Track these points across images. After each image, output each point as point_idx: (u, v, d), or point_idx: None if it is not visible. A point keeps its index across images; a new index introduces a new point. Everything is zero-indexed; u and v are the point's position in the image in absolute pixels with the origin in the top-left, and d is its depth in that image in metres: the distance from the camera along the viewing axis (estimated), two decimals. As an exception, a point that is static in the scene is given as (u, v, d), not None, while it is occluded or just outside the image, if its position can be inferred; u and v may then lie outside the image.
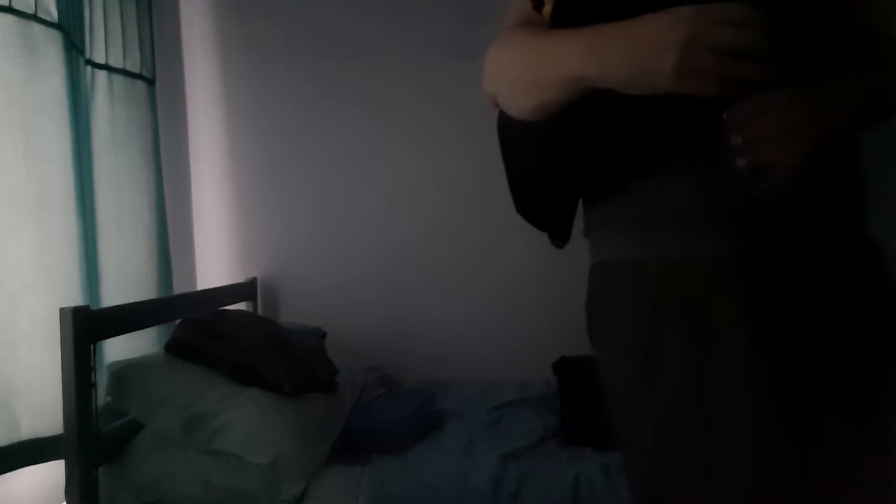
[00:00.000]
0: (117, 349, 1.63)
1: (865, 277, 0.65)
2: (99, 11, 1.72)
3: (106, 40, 1.75)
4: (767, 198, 0.57)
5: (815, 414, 0.60)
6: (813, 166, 0.53)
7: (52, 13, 1.49)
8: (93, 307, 1.39)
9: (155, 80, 1.97)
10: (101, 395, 1.37)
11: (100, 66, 1.73)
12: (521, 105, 0.69)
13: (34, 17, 1.44)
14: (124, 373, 1.42)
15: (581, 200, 0.78)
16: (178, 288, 2.05)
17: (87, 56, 1.67)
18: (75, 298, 1.49)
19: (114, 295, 1.68)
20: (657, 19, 0.53)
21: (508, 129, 0.77)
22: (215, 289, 2.06)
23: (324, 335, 1.98)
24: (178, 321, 1.66)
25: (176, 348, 1.54)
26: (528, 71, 0.66)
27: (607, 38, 0.57)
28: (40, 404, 1.36)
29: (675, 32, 0.51)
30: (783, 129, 0.53)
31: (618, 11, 0.56)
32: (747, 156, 0.53)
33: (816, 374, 0.60)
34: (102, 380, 1.40)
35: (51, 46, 1.48)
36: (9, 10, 1.37)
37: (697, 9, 0.51)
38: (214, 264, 2.33)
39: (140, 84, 1.89)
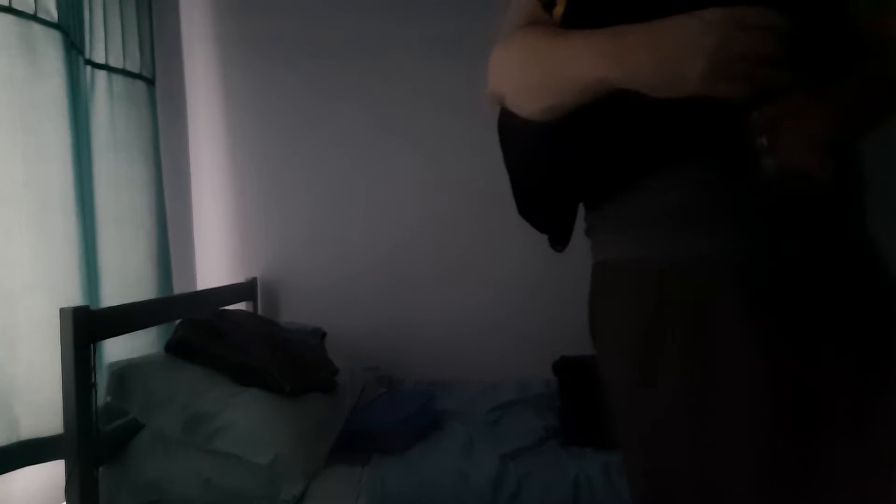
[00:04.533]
0: (117, 349, 1.64)
1: (868, 278, 0.65)
2: (99, 11, 1.72)
3: (106, 40, 1.75)
4: (790, 196, 0.58)
5: (817, 414, 0.59)
6: (836, 166, 0.54)
7: (52, 13, 1.49)
8: (93, 307, 1.39)
9: (155, 80, 1.97)
10: (101, 395, 1.37)
11: (100, 66, 1.73)
12: (532, 106, 0.68)
13: (34, 17, 1.44)
14: (124, 373, 1.42)
15: (583, 202, 0.78)
16: (178, 288, 2.05)
17: (87, 56, 1.67)
18: (75, 298, 1.49)
19: (114, 295, 1.68)
20: (685, 23, 0.53)
21: (511, 130, 0.77)
22: (215, 289, 2.06)
23: (324, 335, 1.98)
24: (178, 321, 1.66)
25: (176, 348, 1.54)
26: (541, 72, 0.66)
27: (633, 41, 0.57)
28: (40, 404, 1.36)
29: (704, 37, 0.52)
30: (809, 130, 0.54)
31: (635, 14, 0.57)
32: (774, 157, 0.54)
33: (819, 375, 0.60)
34: (102, 380, 1.40)
35: (51, 46, 1.48)
36: (9, 10, 1.37)
37: (725, 13, 0.52)
38: (214, 264, 2.33)
39: (140, 84, 1.89)
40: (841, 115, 0.57)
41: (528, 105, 0.69)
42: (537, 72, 0.66)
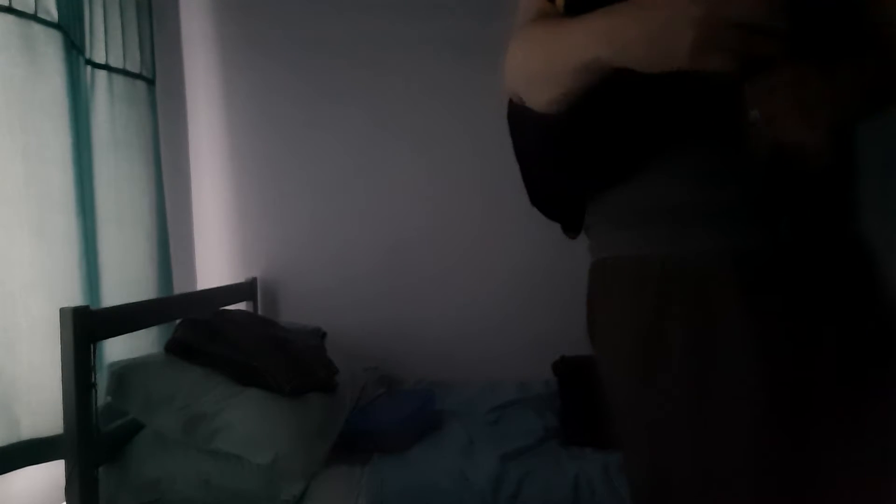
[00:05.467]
0: (117, 349, 1.63)
1: (865, 272, 0.65)
2: (99, 11, 1.72)
3: (106, 40, 1.75)
4: (786, 173, 0.56)
5: (816, 411, 0.60)
6: (832, 144, 0.53)
7: (52, 13, 1.49)
8: (93, 307, 1.39)
9: (155, 80, 1.97)
10: (101, 395, 1.37)
11: (100, 66, 1.72)
12: (541, 97, 0.68)
13: (34, 17, 1.43)
14: (124, 373, 1.42)
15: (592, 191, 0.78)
16: (178, 288, 2.05)
17: (87, 56, 1.67)
18: (75, 298, 1.49)
19: (114, 295, 1.68)
20: None
21: (519, 122, 0.77)
22: (215, 289, 2.06)
23: (324, 335, 1.98)
24: (178, 321, 1.66)
25: (176, 348, 1.54)
26: (545, 62, 0.66)
27: (622, 17, 0.56)
28: (40, 404, 1.36)
29: (692, 8, 0.50)
30: (803, 104, 0.52)
31: None
32: (767, 131, 0.53)
33: (818, 371, 0.60)
34: (102, 380, 1.40)
35: (51, 46, 1.48)
36: (9, 10, 1.37)
37: None
38: (214, 264, 2.33)
39: (140, 84, 1.89)
40: (840, 92, 0.55)
41: (537, 97, 0.69)
42: (541, 63, 0.66)
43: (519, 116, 0.76)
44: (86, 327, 1.27)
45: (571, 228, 0.82)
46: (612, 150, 0.68)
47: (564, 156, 0.73)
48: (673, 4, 0.52)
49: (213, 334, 1.56)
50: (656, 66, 0.54)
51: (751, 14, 0.49)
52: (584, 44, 0.59)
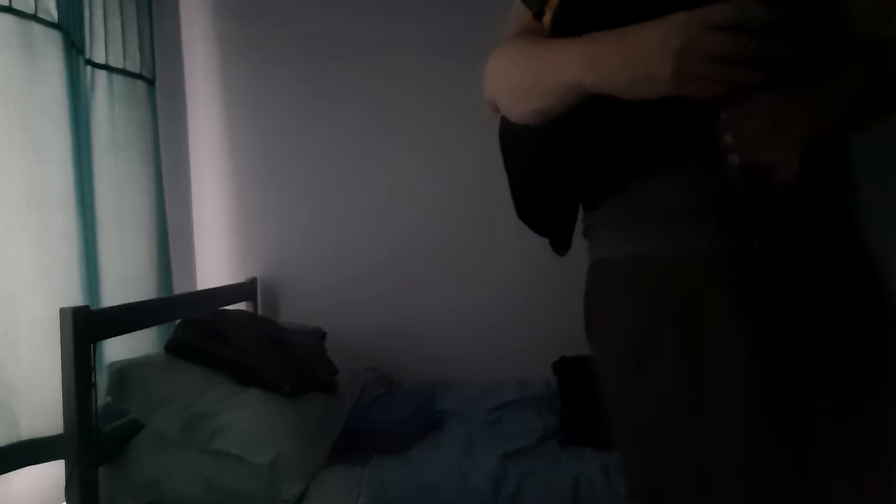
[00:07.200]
0: (117, 349, 1.63)
1: (858, 274, 0.65)
2: (99, 11, 1.72)
3: (106, 40, 1.75)
4: (759, 194, 0.58)
5: (810, 410, 0.60)
6: (804, 165, 0.54)
7: (52, 13, 1.49)
8: (93, 307, 1.39)
9: (155, 80, 1.97)
10: (101, 395, 1.37)
11: (100, 66, 1.73)
12: (520, 110, 0.71)
13: (34, 17, 1.44)
14: (124, 373, 1.42)
15: (579, 203, 0.79)
16: (178, 288, 2.05)
17: (87, 56, 1.67)
18: (75, 298, 1.49)
19: (114, 295, 1.68)
20: (654, 27, 0.55)
21: (510, 137, 0.79)
22: (215, 289, 2.06)
23: (324, 335, 1.98)
24: (178, 321, 1.66)
25: (176, 348, 1.54)
26: (527, 77, 0.68)
27: (606, 46, 0.58)
28: (40, 404, 1.36)
29: (671, 40, 0.53)
30: (773, 129, 0.54)
31: (616, 20, 0.58)
32: (739, 154, 0.55)
33: (812, 370, 0.60)
34: (102, 380, 1.40)
35: (51, 46, 1.48)
36: (9, 10, 1.37)
37: (692, 14, 0.53)
38: (214, 264, 2.33)
39: (140, 84, 1.89)
40: (817, 114, 0.57)
41: (517, 109, 0.71)
42: (524, 77, 0.68)
43: (507, 129, 0.78)
44: (86, 327, 1.27)
45: (560, 244, 0.83)
46: (595, 164, 0.70)
47: (545, 166, 0.74)
48: (654, 35, 0.54)
49: (213, 334, 1.56)
50: (637, 93, 0.57)
51: (728, 46, 0.52)
52: (569, 66, 0.61)
